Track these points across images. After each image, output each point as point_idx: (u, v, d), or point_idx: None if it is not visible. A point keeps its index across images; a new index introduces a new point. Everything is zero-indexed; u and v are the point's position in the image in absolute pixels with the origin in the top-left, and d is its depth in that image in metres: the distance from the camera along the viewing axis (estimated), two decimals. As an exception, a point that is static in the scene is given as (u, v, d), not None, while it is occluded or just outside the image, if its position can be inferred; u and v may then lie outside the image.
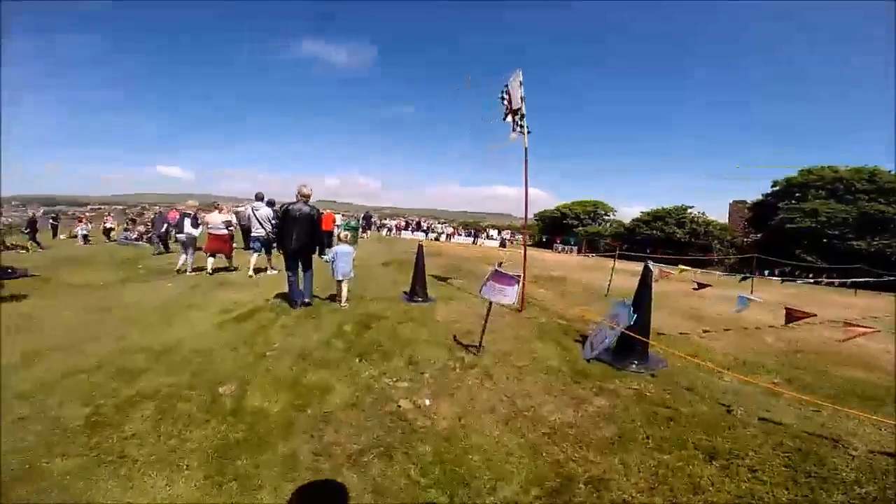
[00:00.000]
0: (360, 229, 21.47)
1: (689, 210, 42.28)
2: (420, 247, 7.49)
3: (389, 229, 31.70)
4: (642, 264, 4.62)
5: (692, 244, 39.42)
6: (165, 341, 4.71)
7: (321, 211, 6.93)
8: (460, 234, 34.83)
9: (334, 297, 6.73)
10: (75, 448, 2.59)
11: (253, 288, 7.84)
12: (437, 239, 30.62)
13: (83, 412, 3.01)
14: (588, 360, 4.54)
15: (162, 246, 12.87)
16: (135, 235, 17.27)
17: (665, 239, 39.70)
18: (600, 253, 39.56)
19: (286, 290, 6.43)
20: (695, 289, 6.98)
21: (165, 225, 12.50)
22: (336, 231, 9.17)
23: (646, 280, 4.46)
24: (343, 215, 25.31)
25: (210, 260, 8.78)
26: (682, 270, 7.16)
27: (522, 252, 8.47)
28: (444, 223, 41.33)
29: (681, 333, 6.32)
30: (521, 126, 7.35)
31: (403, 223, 34.90)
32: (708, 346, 5.73)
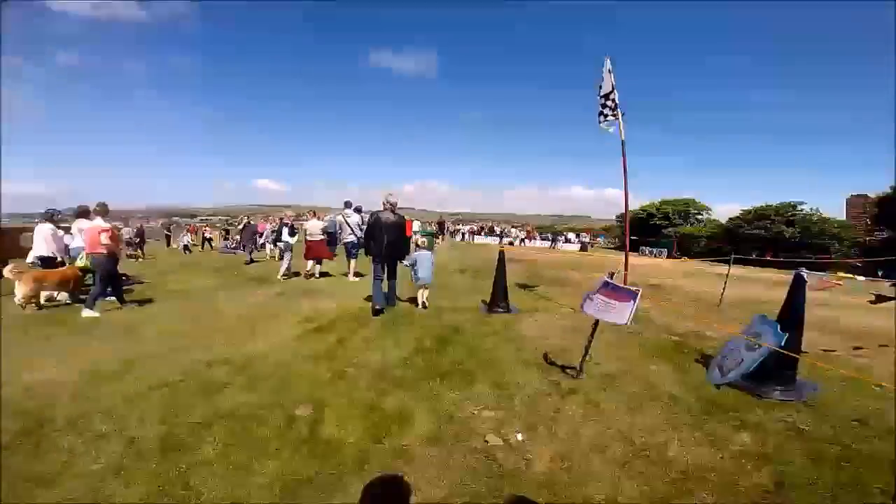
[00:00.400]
0: (434, 235, 21.40)
1: (799, 206, 37.24)
2: (501, 253, 6.95)
3: (462, 235, 31.44)
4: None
5: (806, 245, 34.59)
6: (248, 352, 4.64)
7: (409, 219, 7.62)
8: (534, 239, 33.60)
9: (414, 300, 6.84)
10: (142, 475, 2.41)
11: (335, 296, 7.84)
12: (511, 244, 29.84)
13: (158, 431, 2.88)
14: (717, 387, 3.72)
15: (249, 255, 13.43)
16: (233, 245, 18.66)
17: (771, 239, 35.27)
18: (695, 256, 36.05)
19: (367, 296, 6.34)
20: (873, 302, 5.62)
21: (253, 235, 13.21)
22: (413, 237, 9.25)
23: (799, 292, 3.54)
24: (419, 221, 25.48)
25: (310, 264, 9.31)
26: (839, 278, 5.89)
27: (623, 257, 7.63)
28: (518, 227, 40.21)
29: (825, 351, 5.15)
30: (614, 115, 6.64)
31: (476, 228, 34.47)
32: (866, 367, 4.58)
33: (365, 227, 6.79)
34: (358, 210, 9.54)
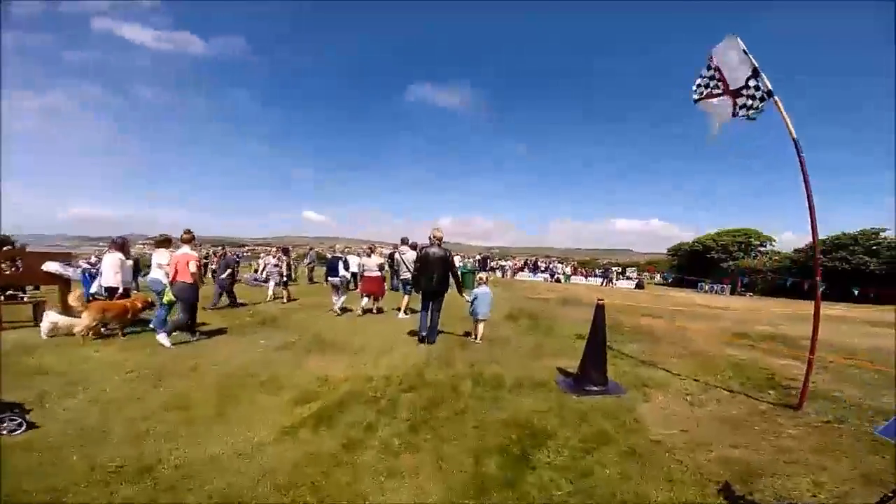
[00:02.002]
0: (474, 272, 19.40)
1: (882, 234, 32.90)
2: (600, 307, 4.72)
3: (504, 271, 29.03)
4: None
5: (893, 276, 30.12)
6: (191, 458, 2.69)
7: (453, 253, 7.04)
8: (579, 275, 30.59)
9: (468, 333, 6.91)
10: None
11: (358, 351, 5.84)
12: (558, 281, 27.22)
13: None
14: None
15: (217, 297, 9.99)
16: (263, 276, 17.02)
17: (852, 272, 31.02)
18: (762, 293, 32.20)
19: (392, 361, 4.92)
20: None
21: (228, 268, 10.17)
22: (479, 275, 8.30)
23: None
24: (460, 256, 23.53)
25: (364, 300, 9.00)
26: None
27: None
28: (563, 262, 37.35)
29: None
30: (756, 107, 4.59)
31: (520, 263, 31.94)
32: None
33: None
34: (414, 247, 9.30)
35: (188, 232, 6.17)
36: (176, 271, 5.93)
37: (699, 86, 5.37)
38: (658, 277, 42.63)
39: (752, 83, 4.72)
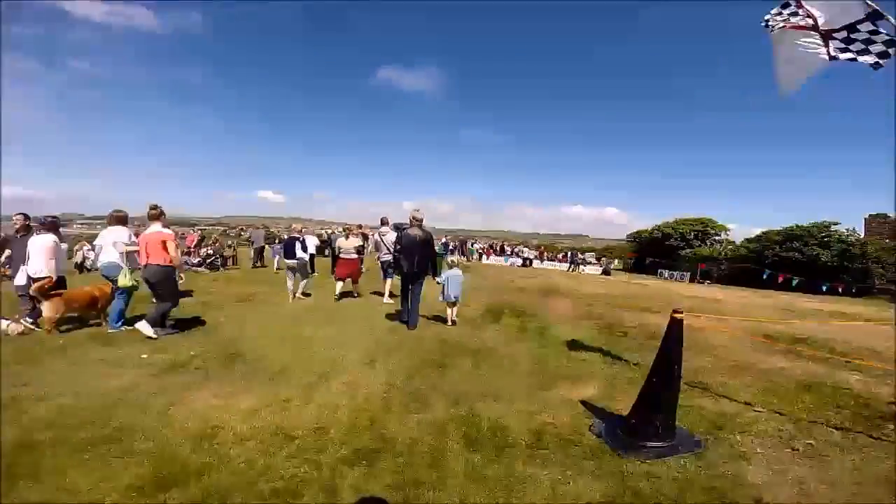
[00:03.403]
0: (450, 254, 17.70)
1: (833, 227, 34.13)
2: (677, 323, 2.93)
3: (470, 255, 27.26)
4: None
5: (845, 268, 31.24)
6: None
7: (432, 234, 6.58)
8: (546, 259, 29.34)
9: (439, 318, 6.65)
10: None
11: (280, 380, 3.85)
12: (524, 264, 25.91)
13: None
14: None
15: None
16: (197, 260, 14.44)
17: (806, 263, 31.86)
18: (719, 280, 32.63)
19: (331, 395, 2.98)
20: None
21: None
22: (448, 258, 8.99)
23: None
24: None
25: (339, 284, 8.51)
26: None
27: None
28: (527, 247, 36.16)
29: None
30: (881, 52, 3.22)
31: (497, 247, 30.10)
32: None
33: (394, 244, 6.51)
34: (398, 228, 8.53)
35: (155, 207, 5.40)
36: (147, 253, 5.20)
37: (776, 15, 3.95)
38: (616, 262, 42.61)
39: (863, 27, 3.36)
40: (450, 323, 6.39)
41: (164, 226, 5.47)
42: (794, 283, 24.54)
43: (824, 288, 25.01)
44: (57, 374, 3.75)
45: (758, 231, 39.24)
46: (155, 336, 5.03)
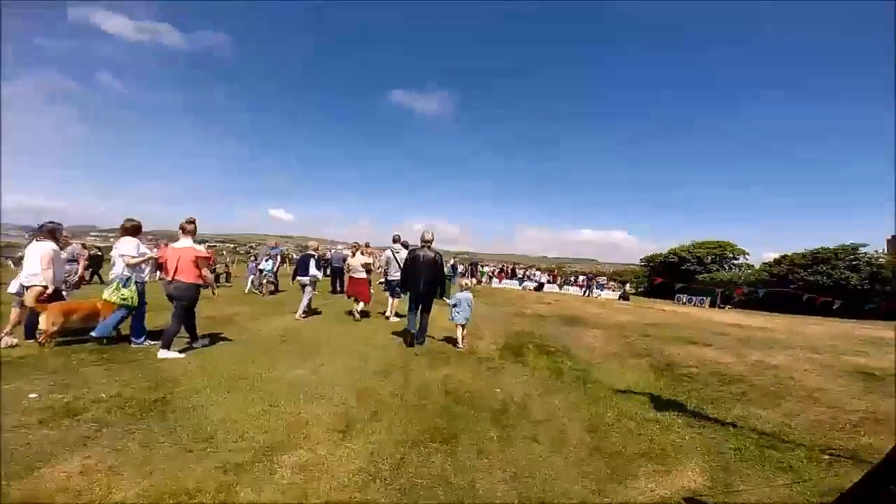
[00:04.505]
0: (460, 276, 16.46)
1: (861, 249, 32.58)
2: None
3: (479, 278, 25.79)
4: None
5: (877, 292, 29.48)
6: None
7: (443, 256, 6.48)
8: (555, 283, 27.72)
9: (450, 340, 6.37)
10: None
11: (187, 454, 2.53)
12: (537, 289, 24.45)
13: None
14: None
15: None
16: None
17: (834, 287, 30.13)
18: (739, 305, 30.95)
19: None
20: None
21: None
22: (458, 281, 8.68)
23: None
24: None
25: (359, 305, 8.25)
26: None
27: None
28: (539, 271, 34.59)
29: None
30: None
31: (509, 270, 28.54)
32: None
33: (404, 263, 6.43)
34: (406, 246, 8.78)
35: (191, 221, 5.14)
36: (176, 269, 4.89)
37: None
38: (627, 287, 41.06)
39: None
40: (460, 345, 6.13)
41: (197, 242, 5.19)
42: (835, 306, 22.88)
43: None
44: None
45: (771, 255, 37.78)
46: (181, 356, 4.71)
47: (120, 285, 4.93)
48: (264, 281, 11.67)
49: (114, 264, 5.14)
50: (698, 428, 3.36)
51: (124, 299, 4.90)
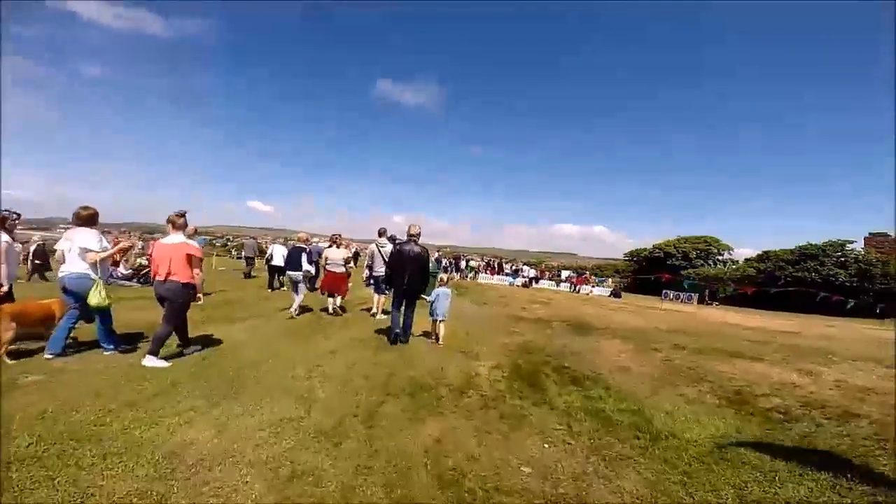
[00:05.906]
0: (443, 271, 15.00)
1: (849, 246, 32.48)
2: None
3: (465, 274, 24.19)
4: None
5: (864, 289, 29.24)
6: None
7: (429, 251, 6.37)
8: (544, 278, 26.40)
9: (428, 334, 6.19)
10: None
11: None
12: (525, 285, 23.07)
13: None
14: None
15: None
16: (128, 271, 11.28)
17: (822, 283, 29.78)
18: (725, 301, 30.37)
19: None
20: None
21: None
22: (440, 276, 6.87)
23: None
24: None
25: (330, 300, 7.85)
26: None
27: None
28: (527, 265, 33.16)
29: None
30: None
31: (496, 265, 26.98)
32: None
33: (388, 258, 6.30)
34: (392, 239, 8.21)
35: (182, 214, 4.56)
36: (169, 270, 4.33)
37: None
38: (609, 282, 40.35)
39: None
40: (438, 341, 5.95)
41: (189, 237, 4.85)
42: (849, 306, 22.41)
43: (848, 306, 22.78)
44: None
45: (750, 252, 37.49)
46: (168, 365, 4.22)
47: (102, 288, 4.29)
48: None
49: (62, 260, 4.28)
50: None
51: (109, 304, 4.34)
